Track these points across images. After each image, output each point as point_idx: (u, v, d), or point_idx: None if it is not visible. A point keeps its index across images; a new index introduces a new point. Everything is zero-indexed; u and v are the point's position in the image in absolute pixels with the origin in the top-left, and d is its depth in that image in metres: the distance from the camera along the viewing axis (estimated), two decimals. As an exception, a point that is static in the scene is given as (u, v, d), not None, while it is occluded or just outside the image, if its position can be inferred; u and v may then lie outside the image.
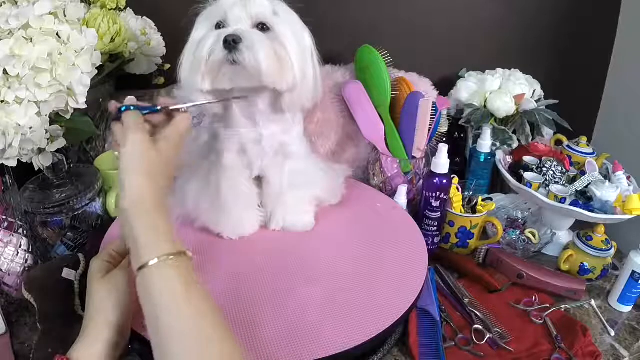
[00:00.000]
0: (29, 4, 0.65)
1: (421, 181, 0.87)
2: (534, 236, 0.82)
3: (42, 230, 0.73)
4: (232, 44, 0.57)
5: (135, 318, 0.51)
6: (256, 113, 0.67)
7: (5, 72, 0.63)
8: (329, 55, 0.85)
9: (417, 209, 0.83)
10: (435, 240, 0.82)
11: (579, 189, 0.81)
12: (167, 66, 0.90)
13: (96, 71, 0.71)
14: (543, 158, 0.86)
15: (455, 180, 0.79)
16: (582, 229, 0.80)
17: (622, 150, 0.91)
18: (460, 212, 0.80)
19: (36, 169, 0.72)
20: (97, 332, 0.48)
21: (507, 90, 0.96)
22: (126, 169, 0.48)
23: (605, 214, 0.76)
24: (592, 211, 0.77)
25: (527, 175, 0.84)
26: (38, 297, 0.61)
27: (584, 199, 0.80)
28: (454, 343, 0.65)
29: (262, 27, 0.61)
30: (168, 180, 0.52)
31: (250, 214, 0.74)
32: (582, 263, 0.77)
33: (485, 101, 0.96)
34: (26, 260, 0.68)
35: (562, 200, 0.78)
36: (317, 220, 0.77)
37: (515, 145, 0.97)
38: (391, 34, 1.01)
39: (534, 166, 0.86)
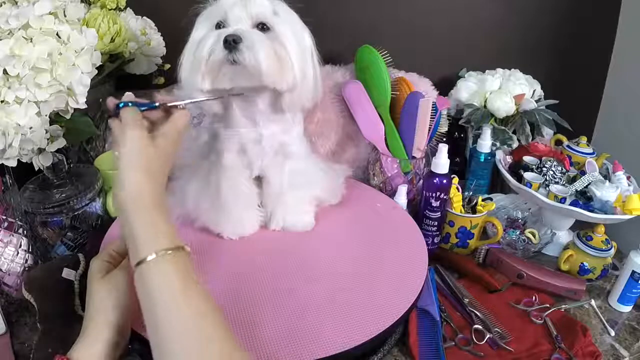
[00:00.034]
0: (29, 4, 0.65)
1: (421, 181, 0.87)
2: (534, 236, 0.82)
3: (42, 230, 0.73)
4: (232, 43, 0.57)
5: (135, 318, 0.51)
6: (256, 113, 0.67)
7: (5, 72, 0.63)
8: (329, 55, 0.85)
9: (417, 209, 0.83)
10: (435, 240, 0.82)
11: (579, 189, 0.81)
12: (167, 66, 0.90)
13: (96, 71, 0.71)
14: (543, 158, 0.86)
15: (455, 180, 0.79)
16: (582, 229, 0.80)
17: (622, 150, 0.91)
18: (460, 212, 0.80)
19: (36, 169, 0.72)
20: (97, 332, 0.48)
21: (507, 90, 0.96)
22: (124, 165, 0.48)
23: (605, 214, 0.76)
24: (592, 211, 0.77)
25: (527, 175, 0.84)
26: (38, 297, 0.61)
27: (584, 199, 0.80)
28: (454, 343, 0.65)
29: (262, 27, 0.61)
30: (166, 177, 0.52)
31: (250, 214, 0.74)
32: (582, 263, 0.77)
33: (485, 101, 0.96)
34: (26, 260, 0.68)
35: (562, 200, 0.78)
36: (317, 220, 0.77)
37: (515, 145, 0.97)
38: (391, 34, 1.01)
39: (534, 166, 0.86)
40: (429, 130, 0.84)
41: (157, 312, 0.43)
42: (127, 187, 0.47)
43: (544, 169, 0.84)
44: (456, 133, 1.03)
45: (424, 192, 0.79)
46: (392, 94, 0.87)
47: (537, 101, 0.96)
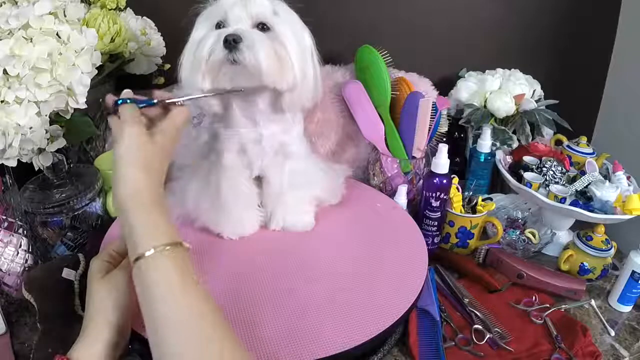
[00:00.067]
0: (29, 4, 0.65)
1: (421, 181, 0.87)
2: (534, 236, 0.82)
3: (42, 230, 0.73)
4: (232, 43, 0.57)
5: (135, 318, 0.51)
6: (256, 113, 0.67)
7: (5, 72, 0.63)
8: (329, 55, 0.85)
9: (417, 209, 0.83)
10: (435, 240, 0.82)
11: (579, 189, 0.81)
12: (167, 66, 0.90)
13: (96, 71, 0.71)
14: (543, 158, 0.86)
15: (455, 180, 0.79)
16: (582, 229, 0.80)
17: (622, 150, 0.91)
18: (460, 212, 0.80)
19: (36, 169, 0.72)
20: (97, 332, 0.48)
21: (507, 90, 0.96)
22: (122, 161, 0.48)
23: (605, 214, 0.76)
24: (592, 211, 0.77)
25: (527, 175, 0.84)
26: (38, 297, 0.61)
27: (584, 199, 0.80)
28: (454, 343, 0.65)
29: (262, 26, 0.61)
30: (165, 174, 0.52)
31: (250, 214, 0.74)
32: (582, 263, 0.77)
33: (485, 101, 0.96)
34: (26, 260, 0.68)
35: (562, 200, 0.78)
36: (317, 220, 0.77)
37: (515, 145, 0.97)
38: (391, 34, 1.01)
39: (534, 166, 0.86)
40: (429, 130, 0.84)
41: (156, 309, 0.43)
42: (126, 183, 0.47)
43: (544, 169, 0.84)
44: (456, 133, 1.03)
45: (424, 192, 0.79)
46: (392, 94, 0.87)
47: (537, 101, 0.96)
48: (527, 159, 0.88)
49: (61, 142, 0.71)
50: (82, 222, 0.76)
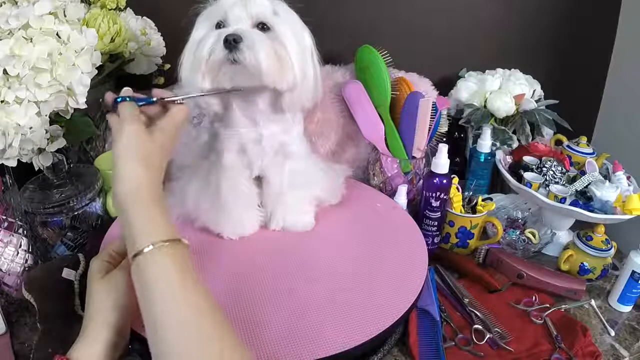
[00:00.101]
0: (29, 4, 0.65)
1: (421, 181, 0.87)
2: (534, 236, 0.82)
3: (42, 230, 0.73)
4: (232, 43, 0.57)
5: (135, 318, 0.51)
6: (256, 113, 0.67)
7: (5, 72, 0.63)
8: (329, 55, 0.85)
9: (417, 209, 0.83)
10: (435, 240, 0.82)
11: (579, 189, 0.81)
12: (167, 66, 0.90)
13: (96, 71, 0.71)
14: (543, 158, 0.86)
15: (455, 180, 0.79)
16: (582, 229, 0.80)
17: (622, 150, 0.91)
18: (460, 212, 0.80)
19: (36, 169, 0.72)
20: (97, 332, 0.48)
21: (507, 90, 0.96)
22: (122, 158, 0.48)
23: (605, 214, 0.76)
24: (592, 211, 0.77)
25: (527, 175, 0.84)
26: (38, 297, 0.61)
27: (584, 199, 0.80)
28: (454, 343, 0.65)
29: (262, 26, 0.61)
30: (164, 172, 0.52)
31: (250, 214, 0.74)
32: (582, 263, 0.77)
33: (485, 101, 0.96)
34: (26, 260, 0.68)
35: (562, 200, 0.78)
36: (317, 220, 0.77)
37: (515, 145, 0.97)
38: (391, 34, 1.01)
39: (534, 166, 0.86)
40: (429, 130, 0.84)
41: (155, 306, 0.43)
42: (125, 180, 0.47)
43: (544, 169, 0.84)
44: (456, 133, 1.03)
45: (424, 192, 0.79)
46: (392, 94, 0.87)
47: (537, 101, 0.96)
48: (527, 159, 0.88)
49: (61, 142, 0.71)
50: (82, 222, 0.76)
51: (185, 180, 0.74)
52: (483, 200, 0.81)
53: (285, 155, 0.72)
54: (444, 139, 0.87)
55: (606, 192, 0.77)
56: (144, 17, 0.87)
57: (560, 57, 1.09)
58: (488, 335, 0.65)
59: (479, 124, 0.95)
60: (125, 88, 0.54)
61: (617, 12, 1.03)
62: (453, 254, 0.82)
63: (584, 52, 1.08)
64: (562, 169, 0.84)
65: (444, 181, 0.77)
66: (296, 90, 0.64)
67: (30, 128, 0.66)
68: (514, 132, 0.97)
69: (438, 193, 0.77)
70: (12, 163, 0.67)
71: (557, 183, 0.83)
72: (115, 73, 0.84)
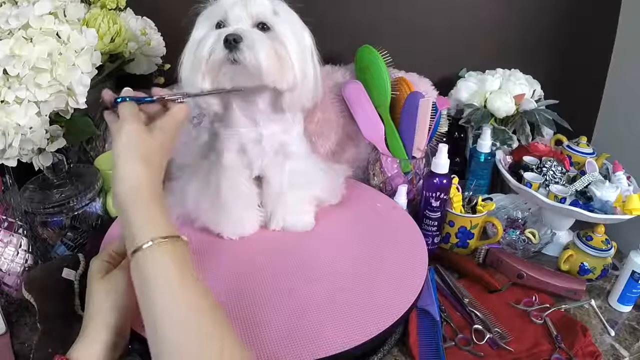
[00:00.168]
0: (29, 4, 0.65)
1: (421, 181, 0.87)
2: (534, 236, 0.82)
3: (42, 230, 0.73)
4: (232, 43, 0.57)
5: (135, 318, 0.51)
6: (256, 112, 0.67)
7: (5, 72, 0.63)
8: (329, 55, 0.85)
9: (417, 209, 0.83)
10: (435, 240, 0.82)
11: (579, 189, 0.81)
12: (167, 66, 0.90)
13: (96, 71, 0.71)
14: (543, 158, 0.86)
15: (455, 180, 0.79)
16: (582, 229, 0.80)
17: (622, 150, 0.91)
18: (460, 212, 0.80)
19: (36, 169, 0.72)
20: (97, 332, 0.48)
21: (507, 90, 0.96)
22: (122, 157, 0.48)
23: (605, 214, 0.76)
24: (592, 211, 0.77)
25: (527, 175, 0.84)
26: (38, 297, 0.61)
27: (584, 199, 0.80)
28: (454, 343, 0.65)
29: (263, 26, 0.61)
30: (164, 170, 0.52)
31: (250, 214, 0.74)
32: (582, 263, 0.77)
33: (485, 101, 0.96)
34: (26, 260, 0.68)
35: (562, 200, 0.78)
36: (317, 220, 0.77)
37: (515, 145, 0.97)
38: (391, 34, 1.01)
39: (534, 166, 0.86)
40: (429, 130, 0.84)
41: (154, 304, 0.43)
42: (125, 179, 0.47)
43: (544, 169, 0.84)
44: (456, 133, 1.03)
45: (424, 192, 0.79)
46: (392, 94, 0.87)
47: (537, 101, 0.96)
48: (527, 159, 0.88)
49: (61, 142, 0.71)
50: (82, 222, 0.76)
51: (185, 180, 0.74)
52: (483, 200, 0.81)
53: (285, 155, 0.72)
54: (444, 139, 0.87)
55: (606, 192, 0.77)
56: (144, 17, 0.87)
57: (560, 57, 1.09)
58: (488, 335, 0.65)
59: (479, 124, 0.95)
60: (125, 88, 0.54)
61: (617, 12, 1.03)
62: (453, 254, 0.82)
63: (584, 52, 1.07)
64: (562, 169, 0.84)
65: (444, 181, 0.77)
66: (296, 90, 0.64)
67: (30, 128, 0.66)
68: (514, 132, 0.97)
69: (438, 193, 0.77)
70: (12, 163, 0.67)
71: (557, 183, 0.83)
72: (115, 73, 0.84)
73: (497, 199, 0.91)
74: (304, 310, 0.59)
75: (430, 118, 0.83)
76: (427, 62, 1.01)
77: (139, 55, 0.85)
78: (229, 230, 0.73)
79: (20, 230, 0.67)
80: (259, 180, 0.74)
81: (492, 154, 0.93)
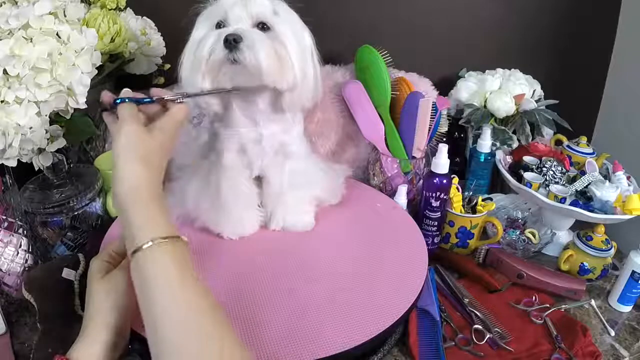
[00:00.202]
0: (29, 4, 0.65)
1: (421, 181, 0.87)
2: (534, 236, 0.82)
3: (42, 230, 0.73)
4: (232, 43, 0.57)
5: (135, 318, 0.51)
6: (256, 112, 0.67)
7: (5, 72, 0.63)
8: (329, 55, 0.85)
9: (417, 209, 0.83)
10: (435, 240, 0.82)
11: (579, 189, 0.81)
12: (167, 66, 0.90)
13: (96, 71, 0.71)
14: (543, 158, 0.86)
15: (455, 180, 0.79)
16: (582, 229, 0.80)
17: (622, 150, 0.91)
18: (460, 212, 0.80)
19: (36, 169, 0.72)
20: (97, 332, 0.48)
21: (507, 90, 0.96)
22: (121, 158, 0.48)
23: (605, 214, 0.76)
24: (592, 211, 0.77)
25: (527, 175, 0.84)
26: (38, 297, 0.61)
27: (584, 199, 0.80)
28: (454, 343, 0.65)
29: (263, 26, 0.61)
30: (164, 171, 0.52)
31: (250, 214, 0.74)
32: (582, 263, 0.77)
33: (485, 101, 0.96)
34: (26, 260, 0.68)
35: (562, 200, 0.78)
36: (317, 220, 0.77)
37: (515, 145, 0.97)
38: (391, 34, 1.01)
39: (534, 166, 0.86)
40: (429, 130, 0.84)
41: (154, 304, 0.43)
42: (125, 179, 0.47)
43: (544, 169, 0.84)
44: (456, 133, 1.03)
45: (424, 192, 0.79)
46: (392, 94, 0.87)
47: (537, 101, 0.96)
48: (527, 159, 0.88)
49: (61, 142, 0.71)
50: (82, 222, 0.76)
51: (185, 180, 0.74)
52: (483, 200, 0.81)
53: (285, 155, 0.72)
54: (444, 139, 0.87)
55: (606, 192, 0.77)
56: (144, 17, 0.87)
57: (560, 57, 1.09)
58: (488, 335, 0.65)
59: (479, 124, 0.95)
60: (124, 89, 0.54)
61: (617, 12, 1.03)
62: (453, 254, 0.82)
63: (584, 52, 1.07)
64: (562, 169, 0.84)
65: (444, 181, 0.77)
66: (296, 90, 0.64)
67: (30, 128, 0.66)
68: (514, 132, 0.97)
69: (438, 193, 0.77)
70: (12, 163, 0.67)
71: (557, 183, 0.83)
72: (115, 73, 0.84)
73: (497, 199, 0.91)
74: (304, 310, 0.59)
75: (430, 118, 0.83)
76: (427, 62, 1.01)
77: (139, 55, 0.85)
78: (229, 230, 0.73)
79: (20, 230, 0.67)
80: (259, 180, 0.74)
81: (492, 154, 0.93)
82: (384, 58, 0.86)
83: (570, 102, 0.99)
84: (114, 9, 0.81)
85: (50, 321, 0.59)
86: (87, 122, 0.74)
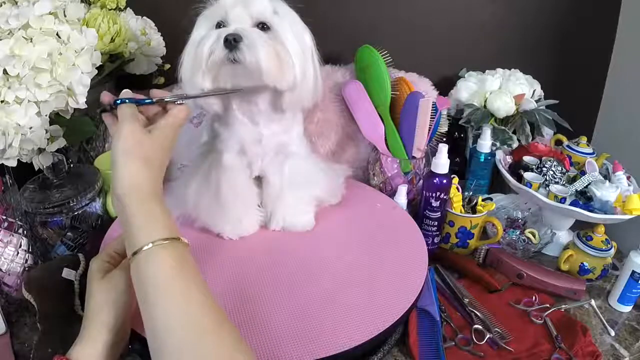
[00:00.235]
0: (29, 4, 0.65)
1: (421, 181, 0.87)
2: (534, 236, 0.82)
3: (42, 230, 0.73)
4: (232, 42, 0.57)
5: (135, 318, 0.51)
6: (256, 113, 0.67)
7: (5, 72, 0.63)
8: (329, 55, 0.85)
9: (417, 209, 0.83)
10: (435, 240, 0.82)
11: (579, 189, 0.81)
12: (167, 66, 0.90)
13: (96, 71, 0.71)
14: (543, 158, 0.86)
15: (455, 180, 0.79)
16: (582, 229, 0.80)
17: (622, 150, 0.91)
18: (460, 212, 0.80)
19: (36, 169, 0.72)
20: (97, 332, 0.48)
21: (507, 90, 0.96)
22: (121, 158, 0.48)
23: (605, 214, 0.76)
24: (592, 211, 0.77)
25: (527, 175, 0.84)
26: (38, 297, 0.61)
27: (584, 199, 0.80)
28: (454, 343, 0.65)
29: (263, 26, 0.61)
30: (164, 171, 0.52)
31: (250, 214, 0.74)
32: (582, 263, 0.77)
33: (485, 101, 0.96)
34: (26, 260, 0.68)
35: (562, 200, 0.78)
36: (317, 220, 0.77)
37: (515, 145, 0.97)
38: (391, 34, 1.01)
39: (534, 166, 0.86)
40: (429, 130, 0.84)
41: (154, 305, 0.43)
42: (125, 179, 0.47)
43: (544, 169, 0.84)
44: (456, 133, 1.03)
45: (424, 192, 0.79)
46: (392, 94, 0.87)
47: (537, 101, 0.96)
48: (527, 159, 0.88)
49: (61, 142, 0.71)
50: (82, 222, 0.75)
51: (185, 180, 0.74)
52: (483, 200, 0.81)
53: (286, 155, 0.72)
54: (444, 139, 0.87)
55: (606, 192, 0.77)
56: (144, 17, 0.87)
57: (560, 57, 1.09)
58: (488, 335, 0.65)
59: (479, 124, 0.95)
60: (124, 90, 0.54)
61: (617, 12, 1.03)
62: (453, 254, 0.82)
63: (584, 52, 1.07)
64: (562, 169, 0.84)
65: (444, 181, 0.77)
66: (296, 90, 0.64)
67: (30, 128, 0.66)
68: (514, 132, 0.97)
69: (438, 193, 0.77)
70: (12, 163, 0.67)
71: (557, 183, 0.83)
72: (115, 73, 0.85)
73: (497, 199, 0.91)
74: (304, 310, 0.59)
75: (430, 118, 0.83)
76: (427, 62, 1.01)
77: (139, 55, 0.85)
78: (229, 230, 0.73)
79: (20, 230, 0.67)
80: (259, 180, 0.74)
81: (492, 154, 0.93)
82: (384, 58, 0.86)
83: (570, 102, 0.99)
84: (114, 9, 0.81)
85: (50, 321, 0.59)
86: (87, 122, 0.74)
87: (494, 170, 0.94)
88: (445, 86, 1.02)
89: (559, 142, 0.97)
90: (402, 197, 0.83)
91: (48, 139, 0.69)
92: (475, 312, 0.69)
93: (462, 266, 0.78)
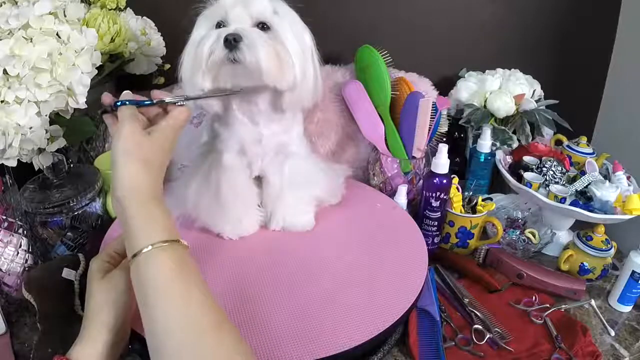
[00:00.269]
0: (29, 4, 0.65)
1: (421, 181, 0.87)
2: (534, 236, 0.82)
3: (42, 230, 0.73)
4: (232, 42, 0.57)
5: (135, 318, 0.51)
6: (256, 113, 0.67)
7: (5, 72, 0.63)
8: (329, 55, 0.85)
9: (417, 209, 0.83)
10: (435, 240, 0.82)
11: (579, 189, 0.81)
12: (167, 66, 0.90)
13: (96, 71, 0.71)
14: (543, 158, 0.86)
15: (455, 180, 0.79)
16: (582, 229, 0.80)
17: (622, 150, 0.91)
18: (460, 212, 0.80)
19: (36, 169, 0.72)
20: (97, 332, 0.48)
21: (507, 90, 0.96)
22: (121, 159, 0.48)
23: (605, 214, 0.76)
24: (592, 211, 0.77)
25: (527, 175, 0.84)
26: (38, 297, 0.61)
27: (584, 199, 0.80)
28: (454, 343, 0.65)
29: (263, 26, 0.61)
30: (164, 172, 0.52)
31: (250, 214, 0.74)
32: (582, 263, 0.77)
33: (485, 101, 0.96)
34: (26, 260, 0.68)
35: (562, 200, 0.78)
36: (317, 220, 0.77)
37: (515, 145, 0.97)
38: (391, 34, 1.01)
39: (534, 166, 0.86)
40: (429, 130, 0.84)
41: (154, 307, 0.43)
42: (125, 181, 0.47)
43: (544, 169, 0.84)
44: (456, 133, 1.03)
45: (424, 192, 0.79)
46: (392, 94, 0.87)
47: (537, 101, 0.96)
48: (527, 159, 0.88)
49: (61, 142, 0.71)
50: (82, 222, 0.75)
51: (185, 180, 0.74)
52: (483, 200, 0.81)
53: (286, 155, 0.72)
54: (444, 139, 0.87)
55: (606, 192, 0.77)
56: (144, 17, 0.87)
57: (560, 57, 1.09)
58: (488, 335, 0.65)
59: (479, 124, 0.95)
60: (125, 92, 0.54)
61: (617, 12, 1.03)
62: (453, 254, 0.82)
63: (584, 52, 1.07)
64: (562, 169, 0.84)
65: (444, 181, 0.77)
66: (296, 90, 0.64)
67: (30, 128, 0.66)
68: (514, 132, 0.97)
69: (438, 193, 0.77)
70: (12, 163, 0.67)
71: (557, 183, 0.83)
72: (115, 73, 0.85)
73: (497, 199, 0.91)
74: (304, 310, 0.59)
75: (430, 118, 0.83)
76: (427, 62, 1.01)
77: (139, 55, 0.85)
78: (229, 230, 0.73)
79: (20, 230, 0.67)
80: (259, 180, 0.74)
81: (492, 154, 0.93)
82: (384, 58, 0.86)
83: (570, 102, 0.99)
84: (114, 9, 0.81)
85: (50, 321, 0.59)
86: (87, 122, 0.74)
87: (494, 170, 0.94)
88: (445, 86, 1.02)
89: (559, 142, 0.97)
90: (402, 197, 0.83)
91: (48, 139, 0.69)
92: (475, 312, 0.69)
93: (462, 266, 0.78)
